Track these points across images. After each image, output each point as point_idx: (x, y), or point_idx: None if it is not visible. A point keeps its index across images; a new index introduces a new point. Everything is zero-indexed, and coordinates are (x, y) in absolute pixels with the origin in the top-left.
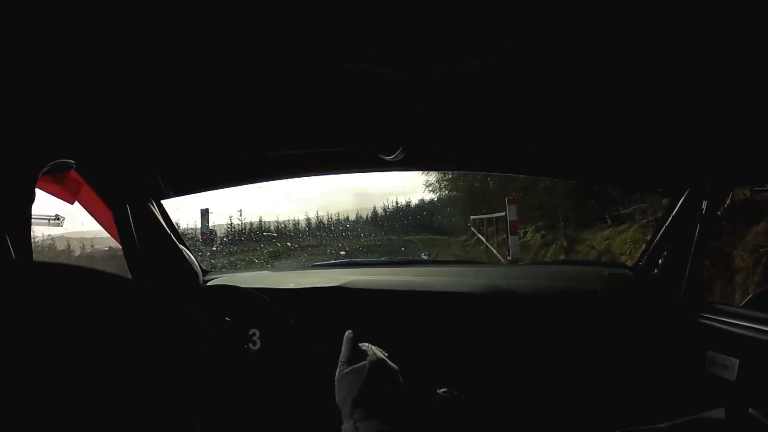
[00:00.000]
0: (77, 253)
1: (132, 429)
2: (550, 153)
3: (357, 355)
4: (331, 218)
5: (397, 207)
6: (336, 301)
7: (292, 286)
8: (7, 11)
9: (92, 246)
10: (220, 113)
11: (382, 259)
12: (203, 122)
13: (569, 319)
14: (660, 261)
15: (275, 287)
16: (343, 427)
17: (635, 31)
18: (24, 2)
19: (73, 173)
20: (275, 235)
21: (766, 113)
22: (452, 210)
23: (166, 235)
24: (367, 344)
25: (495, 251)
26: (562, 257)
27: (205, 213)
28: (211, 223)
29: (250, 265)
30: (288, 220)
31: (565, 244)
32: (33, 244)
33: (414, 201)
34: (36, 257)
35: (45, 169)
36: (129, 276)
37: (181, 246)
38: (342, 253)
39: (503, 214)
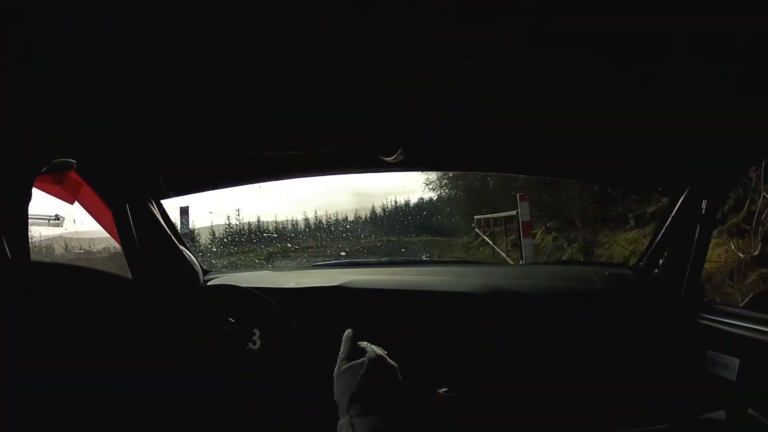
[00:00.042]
0: (80, 253)
1: (132, 429)
2: (550, 153)
3: (356, 352)
4: (330, 218)
5: (396, 207)
6: (336, 300)
7: (292, 285)
8: (7, 11)
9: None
10: (221, 113)
11: (383, 259)
12: (203, 122)
13: (569, 319)
14: (660, 261)
15: (275, 287)
16: (339, 422)
17: (635, 31)
18: (24, 2)
19: (73, 173)
20: (275, 235)
21: (766, 113)
22: (454, 209)
23: (166, 235)
24: (365, 342)
25: (504, 255)
26: None
27: (185, 211)
28: (209, 223)
29: (250, 265)
30: (287, 221)
31: (578, 246)
32: (32, 245)
33: (414, 200)
34: (38, 258)
35: (45, 169)
36: (129, 276)
37: (181, 246)
38: (342, 254)
39: (514, 212)
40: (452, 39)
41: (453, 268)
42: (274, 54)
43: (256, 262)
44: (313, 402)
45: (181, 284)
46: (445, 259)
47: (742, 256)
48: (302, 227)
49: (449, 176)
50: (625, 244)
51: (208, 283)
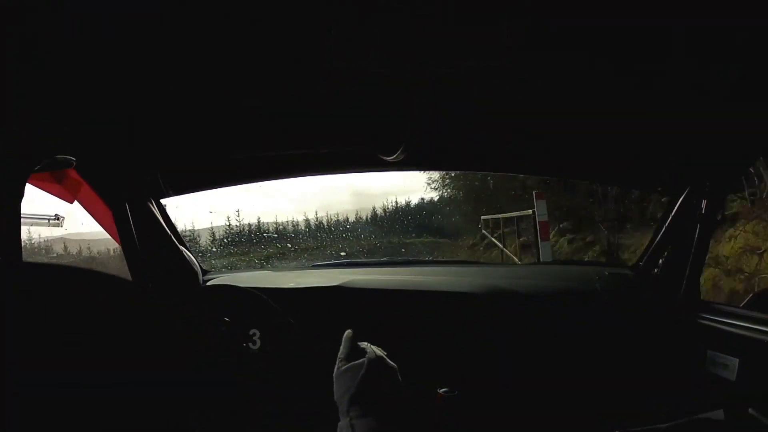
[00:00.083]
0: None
1: (132, 429)
2: (550, 153)
3: (356, 353)
4: (331, 219)
5: (396, 207)
6: (336, 300)
7: (292, 285)
8: (7, 11)
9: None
10: (220, 113)
11: (383, 259)
12: (203, 122)
13: (569, 319)
14: (660, 261)
15: (275, 287)
16: (339, 424)
17: (635, 31)
18: (24, 2)
19: (73, 173)
20: (275, 236)
21: (766, 113)
22: (457, 209)
23: (165, 234)
24: (366, 343)
25: (516, 259)
26: None
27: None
28: (209, 224)
29: (249, 265)
30: (287, 222)
31: (599, 249)
32: (32, 246)
33: (415, 200)
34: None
35: (43, 166)
36: (129, 276)
37: (180, 246)
38: (342, 254)
39: (529, 212)
40: (452, 39)
41: (453, 268)
42: (274, 54)
43: (255, 263)
44: (313, 402)
45: (181, 284)
46: (445, 259)
47: None
48: (303, 228)
49: (452, 175)
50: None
51: (208, 283)
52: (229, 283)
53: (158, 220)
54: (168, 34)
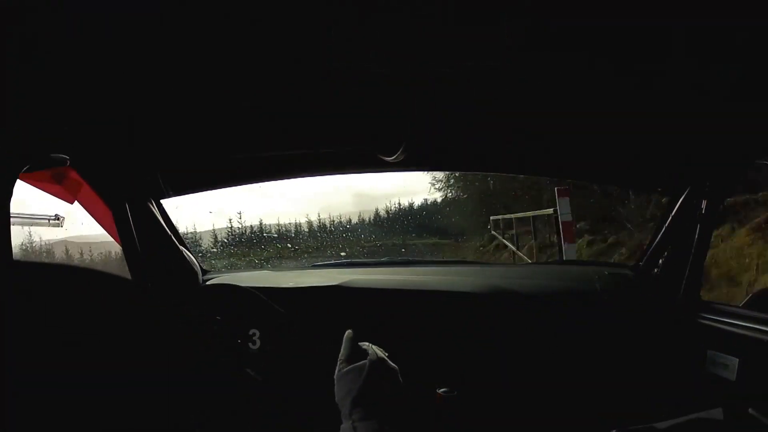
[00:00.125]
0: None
1: (132, 429)
2: (550, 153)
3: (357, 354)
4: (334, 221)
5: (400, 208)
6: (336, 300)
7: (291, 285)
8: (7, 11)
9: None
10: (220, 113)
11: (383, 259)
12: (203, 122)
13: (569, 319)
14: (660, 261)
15: (275, 286)
16: (342, 426)
17: (635, 31)
18: (24, 2)
19: (73, 173)
20: (275, 236)
21: (766, 113)
22: (463, 209)
23: (165, 235)
24: (367, 343)
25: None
26: None
27: None
28: (211, 226)
29: (249, 265)
30: (290, 223)
31: (626, 252)
32: (32, 249)
33: (419, 201)
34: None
35: (36, 165)
36: (129, 276)
37: (180, 246)
38: (342, 254)
39: (550, 211)
40: (452, 39)
41: (453, 268)
42: (274, 54)
43: (255, 263)
44: (313, 402)
45: (181, 284)
46: (445, 259)
47: None
48: (305, 230)
49: (456, 175)
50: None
51: (208, 283)
52: (229, 283)
53: (158, 220)
54: (168, 34)
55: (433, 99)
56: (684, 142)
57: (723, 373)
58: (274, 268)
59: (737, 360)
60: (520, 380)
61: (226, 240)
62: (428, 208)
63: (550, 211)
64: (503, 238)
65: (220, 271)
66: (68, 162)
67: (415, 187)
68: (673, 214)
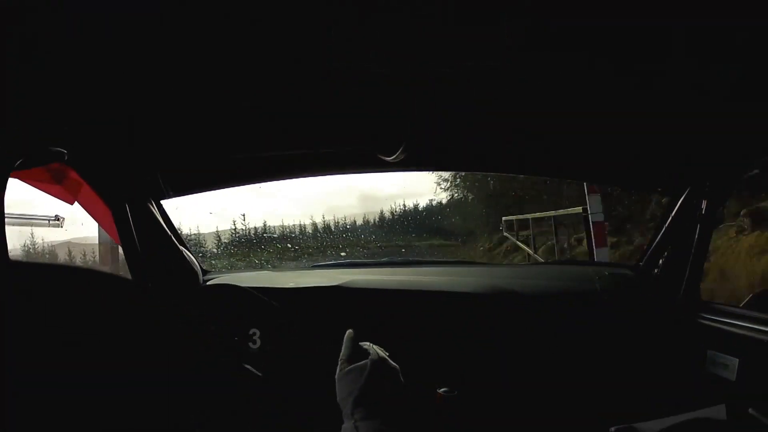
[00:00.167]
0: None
1: (132, 429)
2: (550, 153)
3: (358, 353)
4: (338, 222)
5: (404, 208)
6: (336, 300)
7: (292, 285)
8: (7, 11)
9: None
10: (221, 113)
11: (383, 259)
12: (203, 122)
13: (569, 319)
14: (660, 261)
15: (275, 287)
16: (343, 426)
17: (635, 31)
18: (24, 2)
19: (73, 173)
20: (275, 236)
21: (766, 113)
22: (471, 210)
23: (165, 235)
24: (368, 343)
25: None
26: None
27: None
28: (214, 228)
29: (250, 265)
30: (294, 225)
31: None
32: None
33: (424, 201)
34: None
35: (33, 160)
36: (129, 276)
37: (180, 246)
38: (342, 254)
39: (579, 209)
40: (452, 39)
41: (453, 268)
42: (274, 54)
43: (256, 263)
44: (313, 402)
45: (181, 284)
46: (444, 259)
47: None
48: (310, 231)
49: (462, 175)
50: (748, 253)
51: (208, 283)
52: (229, 283)
53: (158, 220)
54: (168, 34)
55: (433, 99)
56: (684, 142)
57: (723, 373)
58: (274, 268)
59: (737, 360)
60: (520, 380)
61: (226, 240)
62: (433, 210)
63: (579, 209)
64: (517, 239)
65: (220, 272)
66: (65, 156)
67: (420, 188)
68: (673, 214)
